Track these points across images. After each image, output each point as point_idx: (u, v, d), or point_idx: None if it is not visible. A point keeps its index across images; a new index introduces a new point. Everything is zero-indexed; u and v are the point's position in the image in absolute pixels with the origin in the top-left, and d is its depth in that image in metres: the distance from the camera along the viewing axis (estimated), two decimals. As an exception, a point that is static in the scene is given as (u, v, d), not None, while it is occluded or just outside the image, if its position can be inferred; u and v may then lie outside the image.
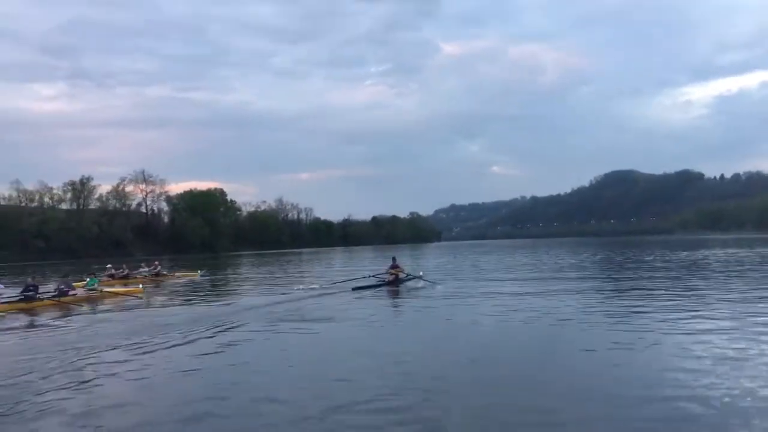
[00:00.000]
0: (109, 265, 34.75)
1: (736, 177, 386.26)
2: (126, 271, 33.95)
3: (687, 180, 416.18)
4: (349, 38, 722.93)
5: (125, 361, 10.53)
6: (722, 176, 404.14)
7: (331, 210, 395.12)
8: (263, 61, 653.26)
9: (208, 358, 10.72)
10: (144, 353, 11.18)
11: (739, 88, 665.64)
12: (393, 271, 24.85)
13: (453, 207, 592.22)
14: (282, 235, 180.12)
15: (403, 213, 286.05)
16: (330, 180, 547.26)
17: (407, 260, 49.37)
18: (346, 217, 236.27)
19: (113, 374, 9.50)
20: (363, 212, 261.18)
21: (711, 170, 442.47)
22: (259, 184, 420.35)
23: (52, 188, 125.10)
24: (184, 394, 8.32)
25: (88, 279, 25.33)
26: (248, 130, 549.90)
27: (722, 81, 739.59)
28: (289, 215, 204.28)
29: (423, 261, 54.40)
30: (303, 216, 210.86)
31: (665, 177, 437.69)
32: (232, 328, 14.14)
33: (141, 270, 35.32)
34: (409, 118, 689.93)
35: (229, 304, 20.65)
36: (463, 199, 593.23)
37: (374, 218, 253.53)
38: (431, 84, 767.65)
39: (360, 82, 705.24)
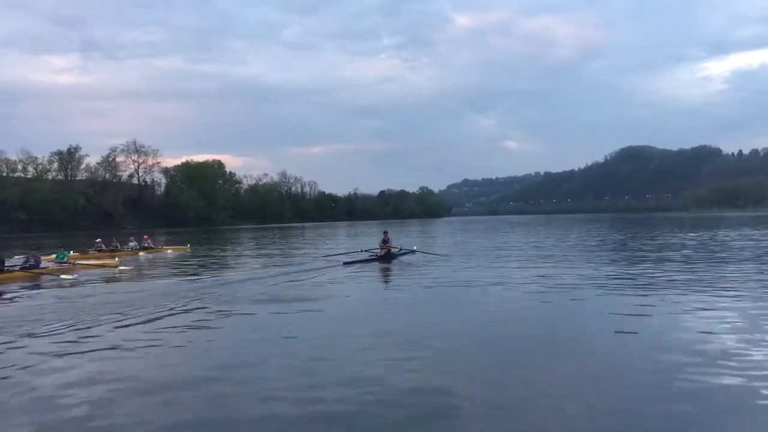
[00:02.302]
0: (98, 240, 33.45)
1: (755, 153, 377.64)
2: (116, 245, 33.14)
3: (704, 156, 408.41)
4: (361, 9, 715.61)
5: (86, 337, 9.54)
6: (740, 152, 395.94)
7: (344, 184, 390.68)
8: (274, 33, 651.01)
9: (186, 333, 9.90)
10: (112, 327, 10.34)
11: (760, 63, 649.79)
12: (384, 246, 24.32)
13: (466, 182, 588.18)
14: (284, 209, 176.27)
15: (416, 188, 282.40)
16: (342, 154, 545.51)
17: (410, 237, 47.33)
18: (352, 192, 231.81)
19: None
20: (376, 187, 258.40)
21: (729, 146, 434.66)
22: (271, 158, 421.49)
23: (36, 158, 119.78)
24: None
25: (57, 252, 24.69)
26: (261, 103, 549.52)
27: (741, 55, 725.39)
28: (293, 189, 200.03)
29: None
30: (307, 189, 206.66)
31: (681, 153, 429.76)
32: (208, 304, 12.91)
33: (129, 244, 34.01)
34: (422, 92, 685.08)
35: (209, 278, 19.09)
36: (476, 174, 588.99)
37: (381, 193, 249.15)
38: (444, 57, 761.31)
39: (373, 56, 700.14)
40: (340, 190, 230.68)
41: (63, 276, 19.72)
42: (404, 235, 48.95)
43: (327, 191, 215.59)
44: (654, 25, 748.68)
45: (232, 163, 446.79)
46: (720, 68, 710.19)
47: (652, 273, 16.95)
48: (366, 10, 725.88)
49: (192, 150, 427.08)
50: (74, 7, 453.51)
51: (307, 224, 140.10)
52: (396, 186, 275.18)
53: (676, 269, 17.88)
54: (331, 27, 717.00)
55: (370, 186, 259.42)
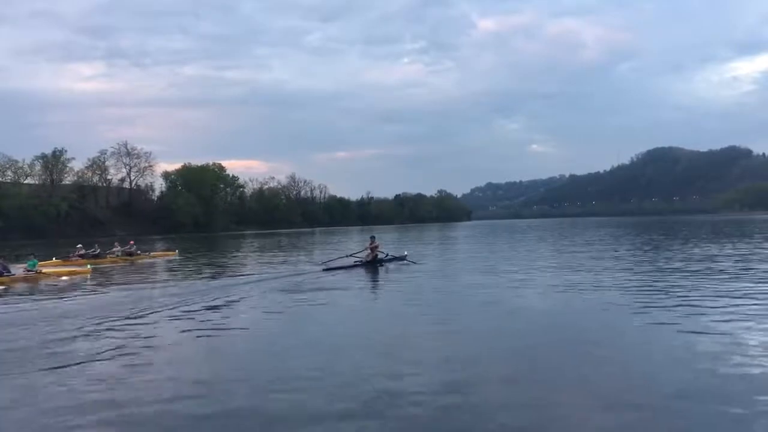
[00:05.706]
0: (79, 245, 33.42)
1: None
2: (97, 251, 33.30)
3: (733, 157, 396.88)
4: (383, 15, 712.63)
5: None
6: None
7: (368, 189, 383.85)
8: (298, 40, 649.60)
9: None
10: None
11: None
12: (371, 252, 24.04)
13: (490, 185, 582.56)
14: (293, 214, 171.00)
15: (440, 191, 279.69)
16: (367, 159, 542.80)
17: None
18: (365, 195, 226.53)
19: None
20: (399, 191, 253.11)
21: (759, 147, 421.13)
22: (296, 163, 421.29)
23: (17, 161, 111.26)
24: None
25: (28, 261, 24.35)
26: (285, 109, 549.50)
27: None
28: (302, 193, 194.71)
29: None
30: (317, 193, 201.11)
31: (710, 154, 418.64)
32: (156, 313, 12.83)
33: (114, 250, 34.02)
34: (446, 97, 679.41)
35: (187, 283, 19.57)
36: (501, 178, 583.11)
37: (397, 196, 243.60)
38: (467, 61, 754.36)
39: (396, 60, 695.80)
40: (364, 194, 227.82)
41: None
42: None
43: (352, 197, 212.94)
44: (681, 26, 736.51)
45: (257, 168, 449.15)
46: (749, 69, 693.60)
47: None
48: (389, 15, 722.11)
49: (217, 156, 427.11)
50: (102, 16, 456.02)
51: (317, 229, 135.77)
52: (421, 190, 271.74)
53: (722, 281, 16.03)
54: (354, 33, 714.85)
55: (394, 191, 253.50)
